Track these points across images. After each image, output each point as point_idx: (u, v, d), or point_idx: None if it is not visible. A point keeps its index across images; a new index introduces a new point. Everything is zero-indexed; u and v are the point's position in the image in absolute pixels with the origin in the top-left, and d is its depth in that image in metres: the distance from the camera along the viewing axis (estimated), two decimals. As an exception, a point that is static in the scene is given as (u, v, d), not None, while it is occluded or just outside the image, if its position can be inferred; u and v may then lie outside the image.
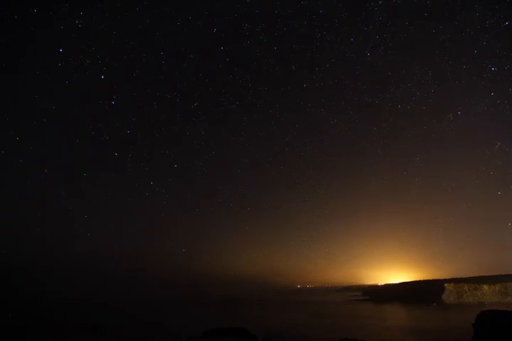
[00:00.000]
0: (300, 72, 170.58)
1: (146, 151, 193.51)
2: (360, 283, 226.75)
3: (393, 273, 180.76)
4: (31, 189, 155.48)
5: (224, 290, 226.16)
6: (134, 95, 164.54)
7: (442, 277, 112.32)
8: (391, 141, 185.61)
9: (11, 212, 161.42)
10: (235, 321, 46.13)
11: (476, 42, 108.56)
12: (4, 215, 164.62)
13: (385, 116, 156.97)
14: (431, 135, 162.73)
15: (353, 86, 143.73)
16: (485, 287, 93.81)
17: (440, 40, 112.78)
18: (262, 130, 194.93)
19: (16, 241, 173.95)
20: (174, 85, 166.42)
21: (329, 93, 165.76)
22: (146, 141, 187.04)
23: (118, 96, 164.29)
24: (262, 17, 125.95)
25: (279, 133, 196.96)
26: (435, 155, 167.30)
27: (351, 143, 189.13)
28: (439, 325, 47.32)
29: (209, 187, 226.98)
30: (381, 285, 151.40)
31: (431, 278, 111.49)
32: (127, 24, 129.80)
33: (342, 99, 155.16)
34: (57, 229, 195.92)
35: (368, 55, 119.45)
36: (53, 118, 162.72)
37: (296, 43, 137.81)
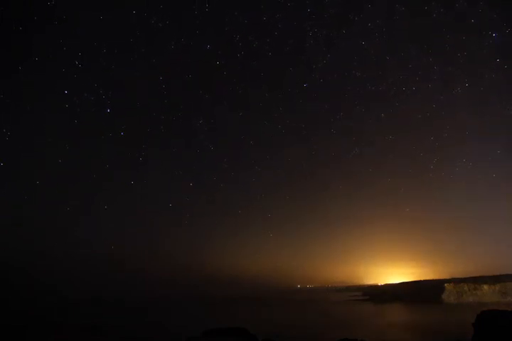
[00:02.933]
0: (298, 72, 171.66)
1: (161, 175, 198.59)
2: (360, 283, 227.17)
3: (393, 273, 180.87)
4: (33, 189, 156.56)
5: (224, 290, 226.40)
6: (140, 123, 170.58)
7: (442, 277, 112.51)
8: (401, 125, 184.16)
9: (11, 212, 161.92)
10: (235, 321, 46.07)
11: (471, 12, 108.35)
12: (4, 215, 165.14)
13: (391, 102, 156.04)
14: (441, 112, 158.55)
15: (354, 77, 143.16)
16: (485, 287, 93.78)
17: (434, 16, 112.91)
18: (269, 135, 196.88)
19: (16, 241, 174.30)
20: (177, 106, 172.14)
21: (330, 88, 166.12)
22: (159, 166, 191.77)
23: (126, 126, 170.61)
24: (252, 26, 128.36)
25: (286, 135, 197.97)
26: (449, 131, 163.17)
27: (359, 134, 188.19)
28: (439, 325, 47.29)
29: (212, 191, 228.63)
30: (381, 285, 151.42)
31: (431, 278, 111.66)
32: (124, 56, 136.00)
33: (344, 91, 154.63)
34: (58, 229, 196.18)
35: (363, 44, 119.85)
36: (68, 157, 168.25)
37: (289, 45, 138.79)
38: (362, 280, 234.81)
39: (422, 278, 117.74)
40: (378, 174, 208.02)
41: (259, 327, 34.42)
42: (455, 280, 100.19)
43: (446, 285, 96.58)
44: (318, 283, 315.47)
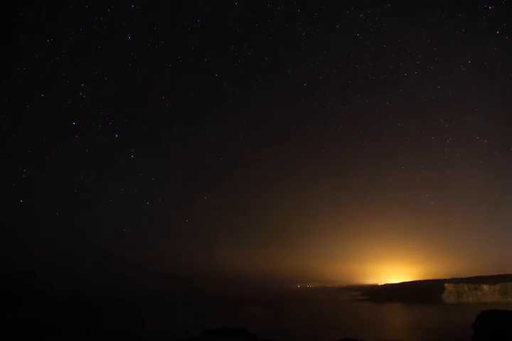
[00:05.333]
0: (296, 73, 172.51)
1: (175, 194, 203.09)
2: (360, 282, 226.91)
3: (393, 272, 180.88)
4: (32, 187, 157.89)
5: (224, 290, 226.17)
6: (149, 144, 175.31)
7: (442, 277, 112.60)
8: (408, 111, 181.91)
9: (11, 210, 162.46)
10: (235, 321, 46.07)
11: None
12: (5, 214, 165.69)
13: (395, 89, 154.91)
14: (448, 92, 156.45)
15: (353, 70, 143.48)
16: (485, 287, 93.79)
17: None
18: (276, 140, 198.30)
19: (16, 240, 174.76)
20: (182, 124, 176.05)
21: (331, 84, 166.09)
22: (172, 185, 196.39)
23: (135, 149, 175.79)
24: (245, 34, 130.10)
25: (293, 138, 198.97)
26: (459, 111, 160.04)
27: (367, 126, 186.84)
28: (439, 325, 47.31)
29: (212, 191, 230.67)
30: (381, 285, 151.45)
31: (431, 278, 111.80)
32: (125, 82, 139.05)
33: (346, 85, 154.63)
34: (58, 229, 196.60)
35: (358, 36, 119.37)
36: (83, 187, 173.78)
37: (284, 48, 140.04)
38: (362, 280, 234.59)
39: (422, 278, 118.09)
40: (385, 168, 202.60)
41: (259, 327, 34.42)
42: (455, 280, 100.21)
43: (446, 285, 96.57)
44: (318, 283, 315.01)
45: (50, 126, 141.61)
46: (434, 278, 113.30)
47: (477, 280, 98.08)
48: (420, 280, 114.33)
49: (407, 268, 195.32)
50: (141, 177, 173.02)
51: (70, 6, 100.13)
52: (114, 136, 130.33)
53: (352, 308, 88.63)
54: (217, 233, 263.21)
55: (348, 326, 48.10)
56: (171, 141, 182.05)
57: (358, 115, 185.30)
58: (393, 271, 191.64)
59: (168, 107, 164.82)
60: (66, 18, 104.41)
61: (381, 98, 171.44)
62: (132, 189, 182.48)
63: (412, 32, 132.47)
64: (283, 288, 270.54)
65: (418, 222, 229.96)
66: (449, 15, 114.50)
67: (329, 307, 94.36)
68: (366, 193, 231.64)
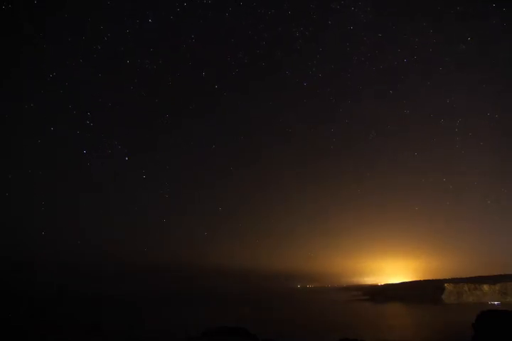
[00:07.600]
0: (295, 74, 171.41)
1: (186, 207, 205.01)
2: (361, 282, 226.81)
3: (393, 272, 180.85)
4: (50, 218, 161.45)
5: (224, 290, 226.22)
6: (157, 162, 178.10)
7: (442, 277, 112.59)
8: (413, 97, 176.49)
9: (12, 208, 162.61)
10: (235, 321, 46.06)
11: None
12: (6, 211, 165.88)
13: (397, 78, 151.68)
14: (451, 73, 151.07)
15: (351, 64, 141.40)
16: (485, 287, 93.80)
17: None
18: (280, 143, 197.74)
19: (17, 239, 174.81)
20: (187, 138, 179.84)
21: (331, 81, 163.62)
22: (183, 200, 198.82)
23: (146, 169, 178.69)
24: (240, 42, 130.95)
25: (298, 138, 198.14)
26: (465, 90, 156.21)
27: (373, 117, 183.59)
28: (439, 325, 47.33)
29: (212, 191, 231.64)
30: (381, 285, 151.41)
31: (431, 278, 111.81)
32: (129, 105, 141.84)
33: (346, 80, 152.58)
34: (59, 228, 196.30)
35: (351, 29, 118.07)
36: (96, 207, 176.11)
37: (280, 51, 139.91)
38: (362, 280, 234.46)
39: (422, 278, 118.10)
40: (394, 160, 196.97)
41: (259, 327, 34.38)
42: (455, 280, 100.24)
43: (446, 285, 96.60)
44: (318, 283, 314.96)
45: (63, 157, 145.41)
46: (434, 278, 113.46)
47: (477, 280, 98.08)
48: (420, 280, 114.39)
49: (407, 268, 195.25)
50: (154, 194, 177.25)
51: (68, 39, 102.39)
52: (124, 159, 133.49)
53: (352, 308, 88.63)
54: (217, 233, 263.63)
55: (348, 326, 48.09)
56: (178, 158, 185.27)
57: (362, 108, 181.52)
58: (393, 270, 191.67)
59: (173, 124, 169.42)
60: (66, 50, 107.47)
61: (383, 87, 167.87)
62: (145, 206, 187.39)
63: (406, 17, 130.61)
64: (283, 288, 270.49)
65: (419, 221, 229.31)
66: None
67: (329, 307, 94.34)
68: (370, 191, 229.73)
